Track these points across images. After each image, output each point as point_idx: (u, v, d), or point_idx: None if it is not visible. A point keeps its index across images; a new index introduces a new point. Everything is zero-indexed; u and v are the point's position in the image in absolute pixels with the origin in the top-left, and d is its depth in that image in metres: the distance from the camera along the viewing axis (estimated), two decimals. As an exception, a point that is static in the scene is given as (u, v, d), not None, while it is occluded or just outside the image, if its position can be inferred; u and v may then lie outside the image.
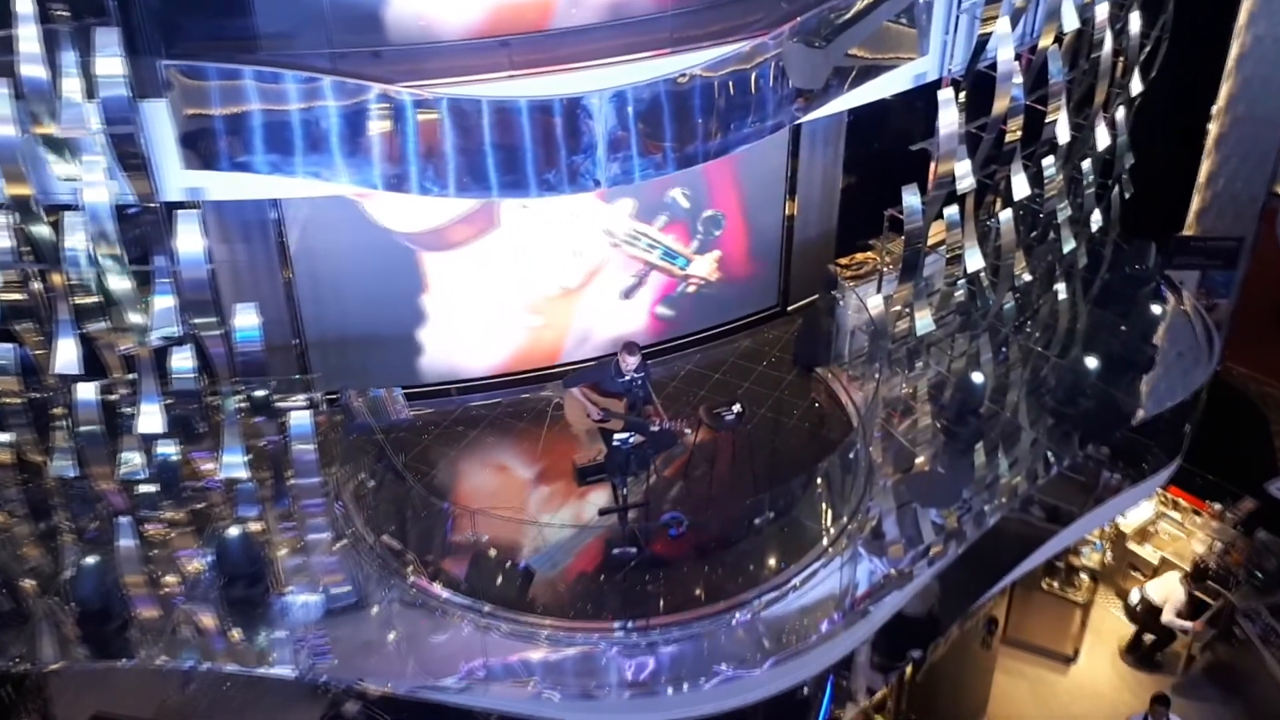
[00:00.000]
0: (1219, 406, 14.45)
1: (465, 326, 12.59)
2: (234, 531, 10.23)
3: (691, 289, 13.39)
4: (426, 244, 11.99)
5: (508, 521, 11.17)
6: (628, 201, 12.56)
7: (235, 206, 11.26)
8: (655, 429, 10.71)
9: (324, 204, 11.37)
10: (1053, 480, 11.99)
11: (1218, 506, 15.29)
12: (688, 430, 11.49)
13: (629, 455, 10.54)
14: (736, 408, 11.35)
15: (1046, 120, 12.57)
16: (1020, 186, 12.66)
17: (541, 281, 12.62)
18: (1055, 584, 14.90)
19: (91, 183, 9.09)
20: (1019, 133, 12.21)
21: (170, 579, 10.45)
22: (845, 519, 11.29)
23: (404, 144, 9.44)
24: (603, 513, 11.21)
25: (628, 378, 10.82)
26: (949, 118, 11.40)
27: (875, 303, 12.52)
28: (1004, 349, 13.41)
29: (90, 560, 9.99)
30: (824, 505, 11.46)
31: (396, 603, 10.56)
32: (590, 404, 11.06)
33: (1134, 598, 14.79)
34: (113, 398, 10.34)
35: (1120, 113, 14.19)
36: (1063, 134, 12.94)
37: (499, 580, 10.53)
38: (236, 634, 10.09)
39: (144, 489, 10.50)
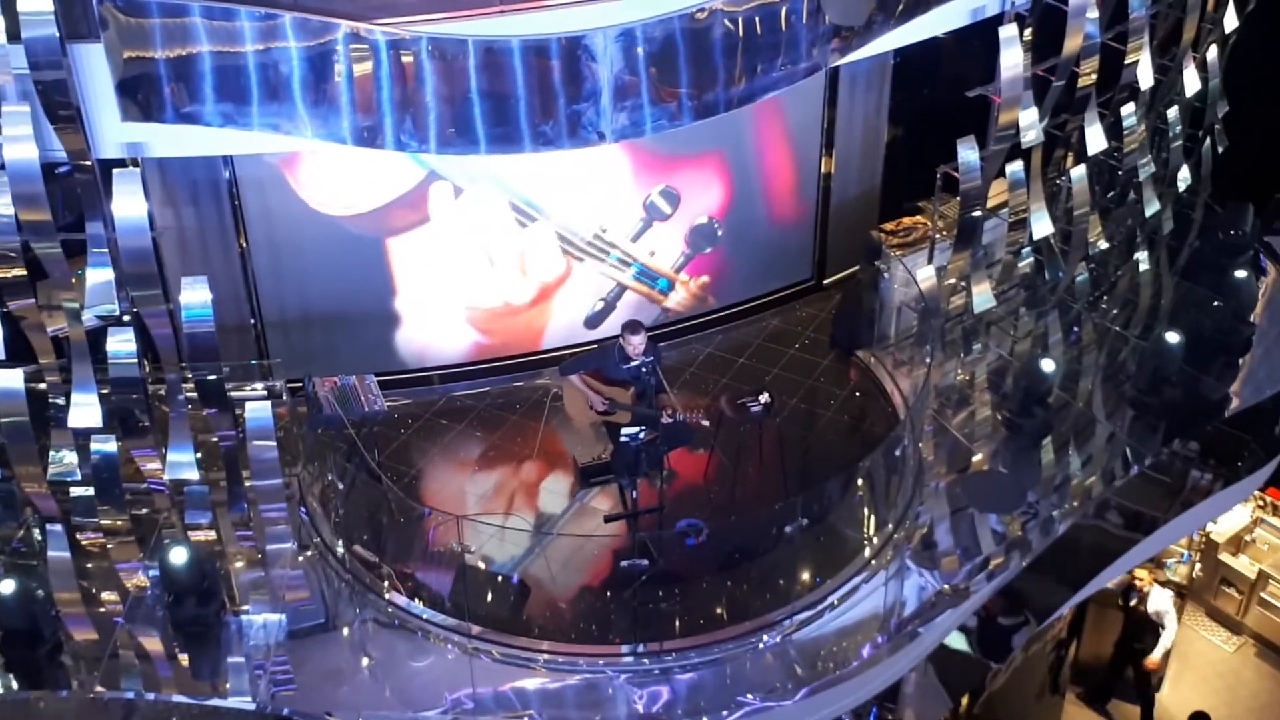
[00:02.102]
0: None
1: (440, 307, 12.61)
2: (182, 541, 10.25)
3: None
4: (368, 228, 11.98)
5: (499, 529, 11.19)
6: (593, 200, 12.40)
7: (182, 165, 11.26)
8: (669, 422, 10.71)
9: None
10: (1133, 481, 11.98)
11: (1325, 512, 15.27)
12: (706, 423, 11.48)
13: (639, 453, 10.56)
14: (764, 398, 11.36)
15: (1126, 62, 12.51)
16: (1095, 139, 12.61)
17: (480, 294, 12.57)
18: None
19: (15, 137, 9.08)
20: (1094, 76, 12.15)
21: (109, 596, 10.48)
22: (890, 527, 11.30)
23: (377, 91, 9.43)
24: (609, 519, 11.23)
25: (635, 363, 10.82)
26: (1012, 59, 11.36)
27: (926, 275, 12.49)
28: (1076, 328, 13.38)
29: (15, 575, 10.02)
30: (866, 511, 11.46)
31: (370, 623, 10.60)
32: (592, 393, 11.07)
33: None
34: (41, 386, 10.37)
35: (1212, 52, 14.10)
36: (1145, 78, 12.87)
37: (489, 597, 10.56)
38: (185, 659, 10.12)
39: (78, 492, 10.53)
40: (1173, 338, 12.40)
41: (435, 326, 12.65)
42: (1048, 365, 12.08)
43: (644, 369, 10.85)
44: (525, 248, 12.41)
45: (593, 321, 13.03)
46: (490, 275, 12.47)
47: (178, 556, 9.95)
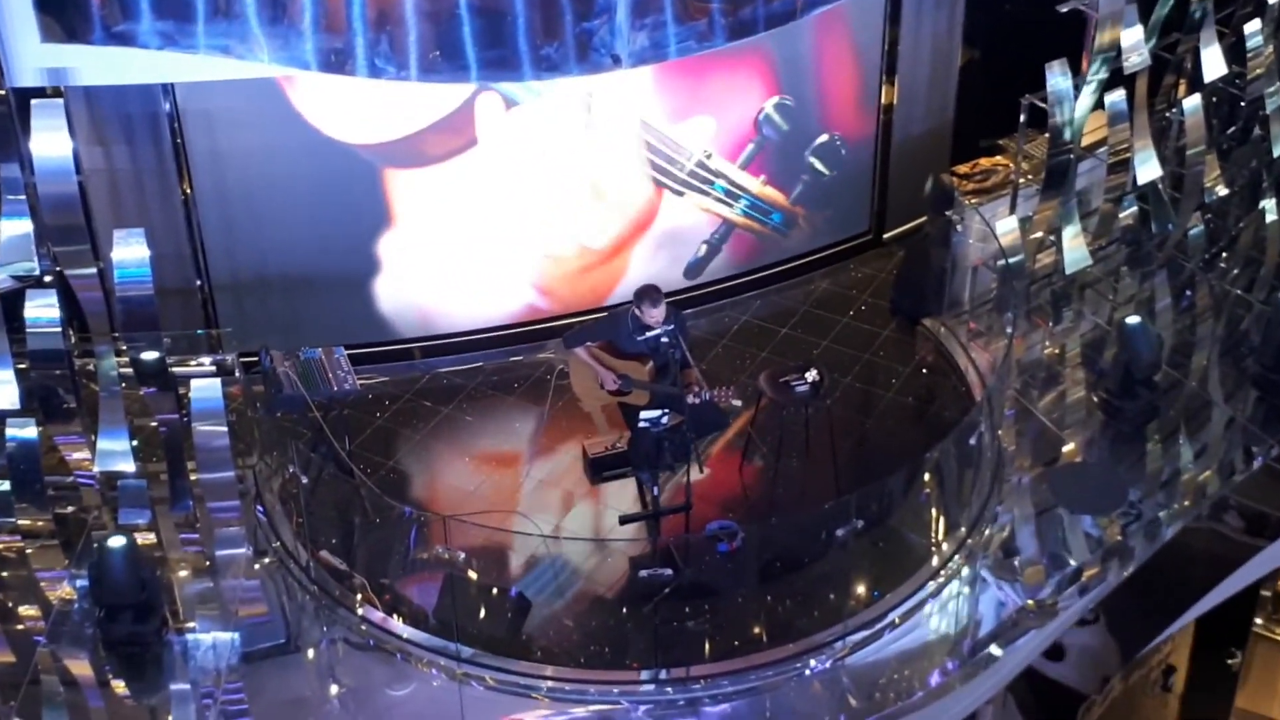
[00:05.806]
0: None
1: (443, 266, 12.66)
2: (116, 545, 10.32)
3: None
4: (390, 158, 12.04)
5: (494, 533, 11.23)
6: (693, 119, 12.39)
7: (114, 95, 11.28)
8: (696, 403, 10.72)
9: (236, 89, 11.39)
10: (1256, 476, 11.96)
11: None
12: (736, 402, 11.52)
13: (660, 440, 10.57)
14: (811, 375, 11.36)
15: (1251, -31, 12.47)
16: (1213, 63, 12.54)
17: (548, 238, 12.62)
18: (1259, 620, 14.87)
19: (-85, 63, 9.16)
20: (1212, -13, 12.12)
21: (28, 610, 10.56)
22: (963, 530, 11.33)
23: (347, 7, 9.43)
24: (625, 520, 11.27)
25: (656, 332, 10.81)
26: (1113, -34, 11.34)
27: (1007, 228, 12.47)
28: (1188, 292, 13.35)
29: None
30: (934, 511, 11.48)
31: (340, 644, 10.66)
32: (603, 369, 11.07)
33: None
34: (-52, 361, 10.44)
35: (1356, -43, 14.03)
36: (1274, -12, 12.83)
37: (482, 613, 10.61)
38: (120, 686, 10.20)
39: (-9, 487, 10.63)
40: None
41: (423, 289, 12.68)
42: (1153, 336, 12.07)
43: (664, 338, 10.84)
44: (611, 179, 12.48)
45: (694, 269, 13.15)
46: (564, 211, 12.53)
47: (111, 563, 10.02)
